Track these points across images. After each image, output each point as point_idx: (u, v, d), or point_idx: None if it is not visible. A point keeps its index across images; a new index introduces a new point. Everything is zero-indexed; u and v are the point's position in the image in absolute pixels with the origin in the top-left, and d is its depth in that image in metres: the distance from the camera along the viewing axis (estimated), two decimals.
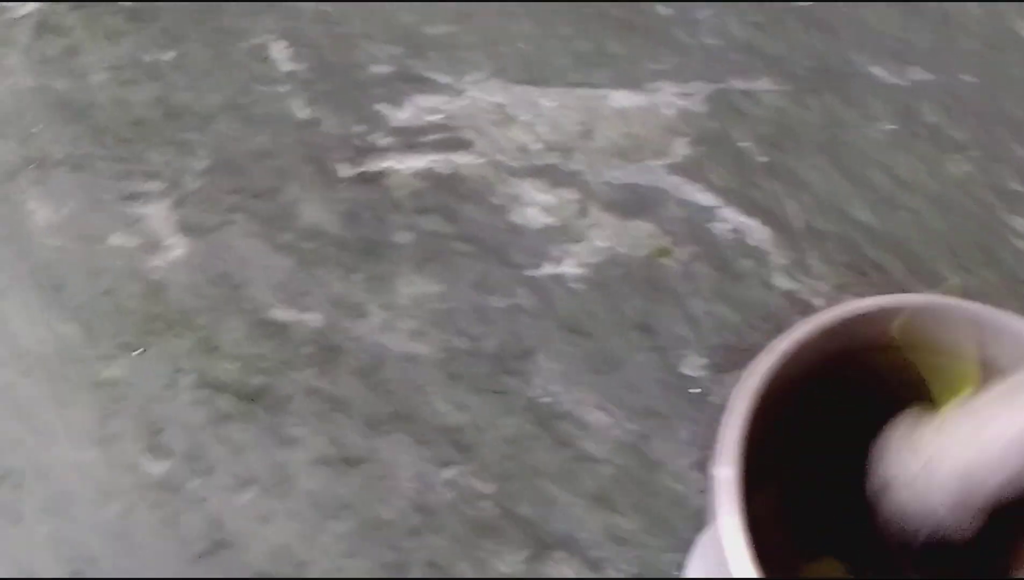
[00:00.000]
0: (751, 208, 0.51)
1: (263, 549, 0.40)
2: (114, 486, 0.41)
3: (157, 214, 0.48)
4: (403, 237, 0.48)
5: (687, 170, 0.52)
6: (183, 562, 0.39)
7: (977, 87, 0.56)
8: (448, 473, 0.42)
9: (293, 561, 0.39)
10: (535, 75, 0.55)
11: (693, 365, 0.46)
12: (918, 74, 0.56)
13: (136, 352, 0.44)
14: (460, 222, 0.49)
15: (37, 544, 0.39)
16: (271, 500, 0.41)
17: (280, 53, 0.55)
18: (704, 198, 0.51)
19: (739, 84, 0.56)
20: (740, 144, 0.53)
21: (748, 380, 0.30)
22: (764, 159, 0.53)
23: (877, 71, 0.56)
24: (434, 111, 0.54)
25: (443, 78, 0.55)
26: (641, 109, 0.54)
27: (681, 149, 0.53)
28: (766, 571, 0.27)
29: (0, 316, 0.45)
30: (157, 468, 0.41)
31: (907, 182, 0.52)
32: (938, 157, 0.53)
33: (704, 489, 0.42)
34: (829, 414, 0.33)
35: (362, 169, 0.51)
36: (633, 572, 0.40)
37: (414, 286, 0.47)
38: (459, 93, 0.54)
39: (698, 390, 0.45)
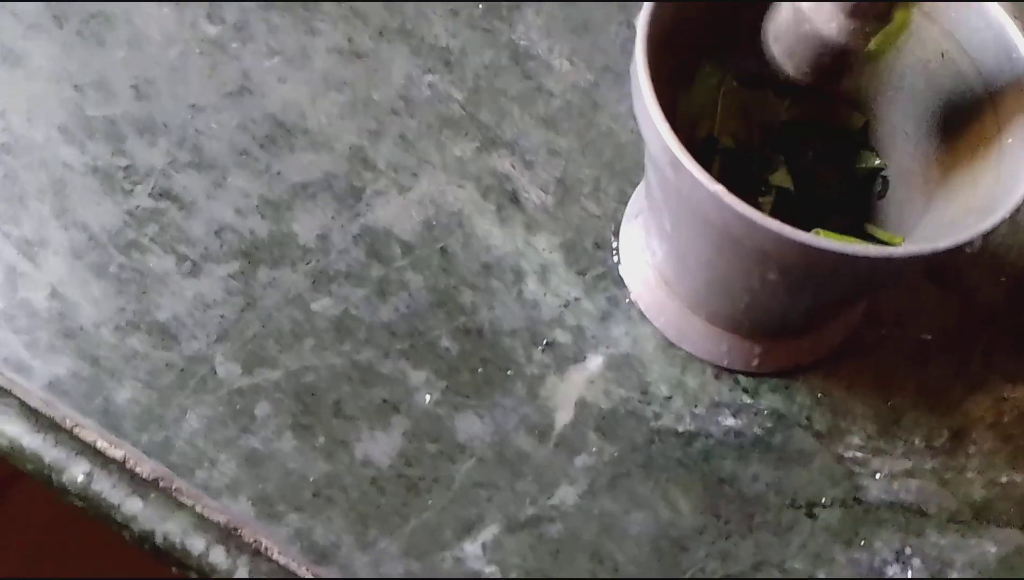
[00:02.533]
0: None
1: (277, 100, 0.52)
2: (177, 36, 0.53)
3: None
4: None
5: None
6: (216, 95, 0.52)
7: None
8: (431, 78, 0.53)
9: (297, 112, 0.52)
10: None
11: None
12: None
13: None
14: None
15: (113, 62, 0.52)
16: (291, 69, 0.53)
17: None
18: None
19: None
20: None
21: None
22: None
23: None
24: None
25: None
26: None
27: None
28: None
29: None
30: (212, 29, 0.53)
31: None
32: None
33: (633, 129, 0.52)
34: None
35: None
36: (556, 175, 0.51)
37: None
38: None
39: None
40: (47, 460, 0.42)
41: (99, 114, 0.51)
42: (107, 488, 0.42)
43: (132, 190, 0.49)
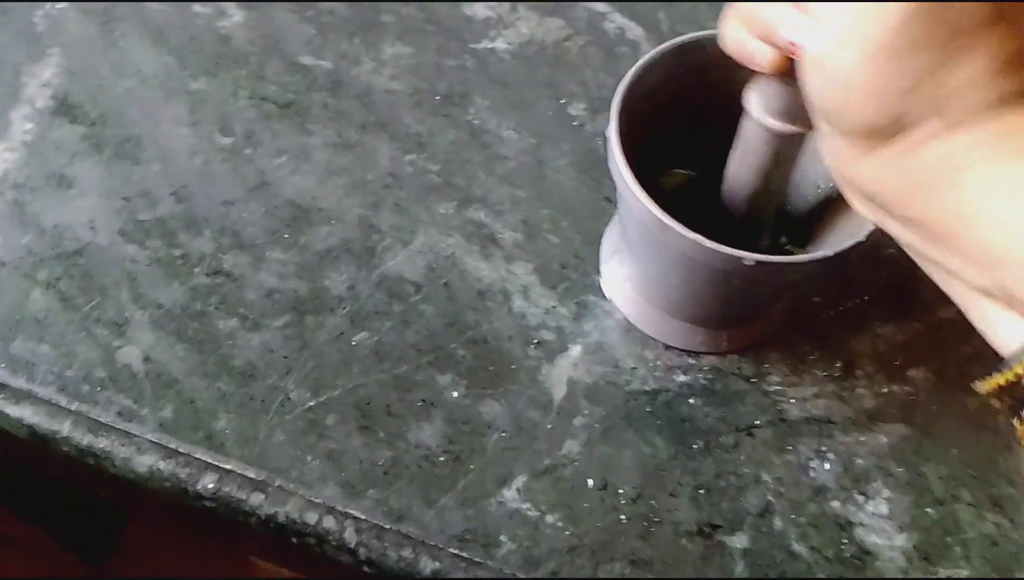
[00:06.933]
0: (632, 15, 0.81)
1: (292, 189, 0.70)
2: (199, 148, 0.71)
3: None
4: (388, 19, 0.78)
5: None
6: (242, 191, 0.70)
7: None
8: (410, 157, 0.73)
9: (310, 196, 0.70)
10: None
11: (577, 108, 0.76)
12: None
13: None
14: (427, 12, 0.79)
15: (151, 175, 0.70)
16: (297, 163, 0.71)
17: None
18: (600, 7, 0.81)
19: None
20: None
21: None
22: None
23: None
24: None
25: None
26: None
27: None
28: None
29: (127, 47, 0.75)
30: (225, 141, 0.72)
31: None
32: None
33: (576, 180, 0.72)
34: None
35: None
36: (521, 218, 0.71)
37: (395, 48, 0.77)
38: None
39: (578, 123, 0.75)
40: (182, 476, 0.58)
41: (150, 217, 0.68)
42: (233, 489, 0.58)
43: (191, 272, 0.66)
